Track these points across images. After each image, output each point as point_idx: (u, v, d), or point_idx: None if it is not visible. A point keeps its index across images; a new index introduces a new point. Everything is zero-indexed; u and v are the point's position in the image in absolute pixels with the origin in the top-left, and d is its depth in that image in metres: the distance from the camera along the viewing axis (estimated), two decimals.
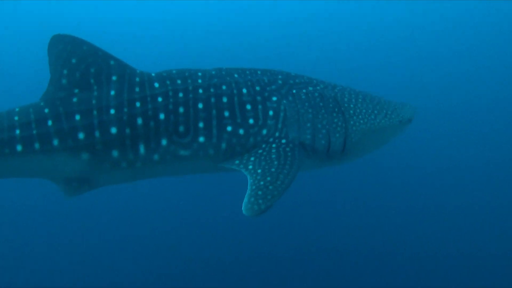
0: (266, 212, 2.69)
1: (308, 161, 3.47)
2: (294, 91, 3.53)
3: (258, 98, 3.38)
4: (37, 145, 3.06)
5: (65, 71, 3.20)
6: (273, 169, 3.01)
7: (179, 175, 3.51)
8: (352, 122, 3.52)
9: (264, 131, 3.31)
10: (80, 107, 3.12)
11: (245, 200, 2.75)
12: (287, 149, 3.23)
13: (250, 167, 3.08)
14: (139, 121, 3.13)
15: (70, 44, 3.20)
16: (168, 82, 3.29)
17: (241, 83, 3.41)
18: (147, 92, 3.21)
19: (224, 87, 3.34)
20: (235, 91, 3.34)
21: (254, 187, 2.85)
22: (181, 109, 3.20)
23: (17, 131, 3.06)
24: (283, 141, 3.30)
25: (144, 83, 3.26)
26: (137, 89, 3.22)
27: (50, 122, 3.07)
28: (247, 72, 3.55)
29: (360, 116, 3.58)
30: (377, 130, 3.63)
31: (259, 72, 3.59)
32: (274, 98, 3.42)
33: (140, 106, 3.15)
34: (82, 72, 3.21)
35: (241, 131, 3.27)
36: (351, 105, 3.62)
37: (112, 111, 3.11)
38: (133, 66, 3.38)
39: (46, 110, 3.11)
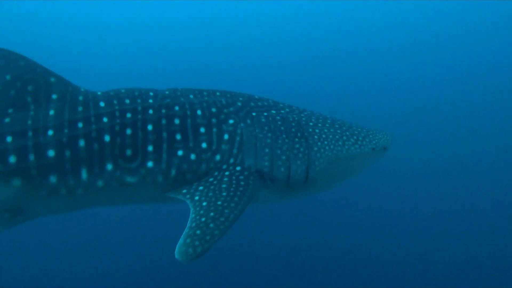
0: (203, 255, 2.39)
1: (266, 192, 3.19)
2: (253, 113, 3.28)
3: (213, 120, 3.13)
4: None
5: None
6: (219, 202, 2.73)
7: (125, 204, 3.22)
8: (316, 149, 3.22)
9: (218, 157, 3.05)
10: (13, 128, 2.81)
11: (180, 241, 2.44)
12: (241, 177, 2.96)
13: (196, 198, 2.81)
14: (81, 143, 2.85)
15: (4, 59, 2.92)
16: (115, 102, 3.03)
17: (196, 104, 3.16)
18: (91, 112, 2.94)
19: (176, 108, 3.09)
20: (188, 113, 3.09)
21: (193, 224, 2.56)
22: (128, 131, 2.94)
23: None
24: (238, 168, 3.03)
25: (88, 102, 2.99)
26: (79, 109, 2.95)
27: None
28: (205, 93, 3.31)
29: (325, 142, 3.29)
30: (345, 157, 3.33)
31: (218, 94, 3.35)
32: (231, 121, 3.17)
33: (82, 127, 2.88)
34: (18, 90, 2.92)
35: (192, 156, 3.00)
36: (316, 130, 3.35)
37: (50, 132, 2.83)
38: (75, 83, 3.11)
39: None
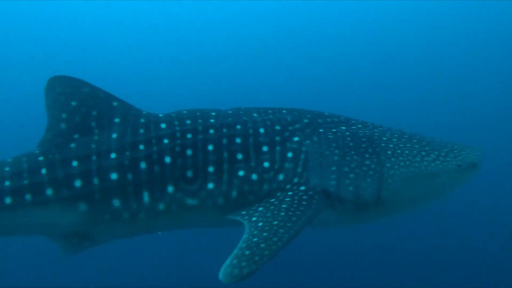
0: (248, 278, 2.18)
1: (333, 214, 2.95)
2: (321, 130, 3.08)
3: (277, 138, 2.98)
4: (28, 197, 2.78)
5: (63, 115, 2.98)
6: (275, 222, 2.54)
7: (186, 228, 3.16)
8: (389, 165, 2.92)
9: (281, 177, 2.88)
10: (78, 153, 2.86)
11: (227, 262, 2.25)
12: (304, 197, 2.76)
13: (254, 219, 2.64)
14: (143, 165, 2.82)
15: (70, 87, 3.00)
16: (176, 123, 2.99)
17: (259, 122, 3.04)
18: (152, 134, 2.92)
19: (238, 127, 2.99)
20: (250, 131, 2.97)
21: (244, 245, 2.37)
22: (189, 152, 2.87)
23: (7, 183, 2.80)
24: (302, 188, 2.84)
25: (150, 124, 2.98)
26: (141, 131, 2.94)
27: (43, 171, 2.81)
28: (270, 111, 3.18)
29: (400, 158, 2.97)
30: (424, 175, 2.97)
31: (284, 111, 3.20)
32: (296, 139, 3.00)
33: (144, 149, 2.86)
34: (83, 115, 2.98)
35: (254, 177, 2.86)
36: (390, 145, 3.04)
37: (113, 155, 2.84)
38: (137, 106, 3.13)
39: (41, 158, 2.87)
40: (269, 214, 2.63)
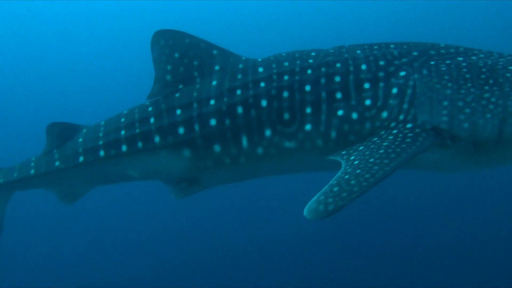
0: (334, 214, 2.05)
1: (445, 154, 2.63)
2: (432, 62, 2.75)
3: (380, 74, 2.74)
4: (139, 144, 3.04)
5: (169, 67, 3.14)
6: (371, 159, 2.34)
7: (286, 172, 3.12)
8: None
9: (384, 114, 2.66)
10: (181, 101, 3.01)
11: (313, 198, 2.13)
12: (409, 134, 2.50)
13: (352, 157, 2.47)
14: (239, 110, 2.85)
15: (172, 39, 3.14)
16: (274, 66, 2.94)
17: (362, 58, 2.82)
18: (249, 78, 2.92)
19: (338, 65, 2.81)
20: (351, 69, 2.78)
21: (334, 182, 2.23)
22: (285, 94, 2.81)
23: (122, 132, 3.09)
24: (409, 125, 2.57)
25: (248, 69, 2.98)
26: (239, 76, 2.96)
27: (152, 120, 3.03)
28: (375, 47, 2.94)
29: None
30: None
31: (392, 46, 2.93)
32: (402, 73, 2.72)
33: (240, 94, 2.88)
34: (186, 66, 3.12)
35: (354, 116, 2.69)
36: None
37: (212, 102, 2.92)
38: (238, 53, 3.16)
39: (150, 109, 3.09)
40: (367, 152, 2.45)
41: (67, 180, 3.37)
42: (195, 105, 2.96)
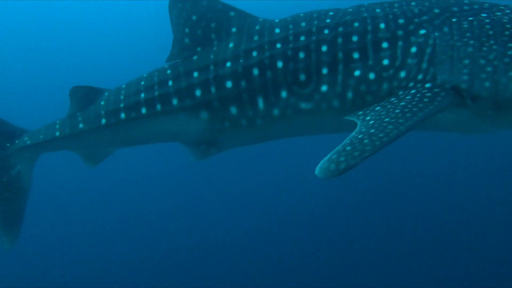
0: (345, 173, 2.02)
1: (467, 115, 2.58)
2: (454, 19, 2.65)
3: (399, 33, 2.66)
4: (158, 107, 3.09)
5: (186, 30, 3.14)
6: (386, 119, 2.30)
7: (302, 134, 3.12)
8: None
9: (402, 74, 2.60)
10: (199, 64, 3.03)
11: (326, 157, 2.11)
12: (427, 94, 2.44)
13: (368, 118, 2.43)
14: (255, 72, 2.85)
15: (190, 1, 3.12)
16: (290, 26, 2.90)
17: (381, 17, 2.75)
18: (266, 40, 2.90)
19: (356, 24, 2.75)
20: (369, 28, 2.72)
21: (348, 141, 2.20)
22: (301, 55, 2.78)
23: (142, 95, 3.14)
24: (427, 85, 2.50)
25: (264, 31, 2.96)
26: (255, 38, 2.95)
27: (170, 83, 3.06)
28: (396, 5, 2.85)
29: None
30: None
31: (413, 3, 2.83)
32: (422, 31, 2.64)
33: (256, 55, 2.87)
34: (203, 28, 3.11)
35: (371, 76, 2.64)
36: None
37: (228, 64, 2.92)
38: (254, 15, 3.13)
39: (168, 71, 3.12)
40: (383, 112, 2.42)
41: (90, 142, 3.46)
42: (211, 67, 2.97)
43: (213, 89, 2.95)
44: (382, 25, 2.71)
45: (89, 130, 3.34)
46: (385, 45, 2.67)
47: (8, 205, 3.61)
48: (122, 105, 3.21)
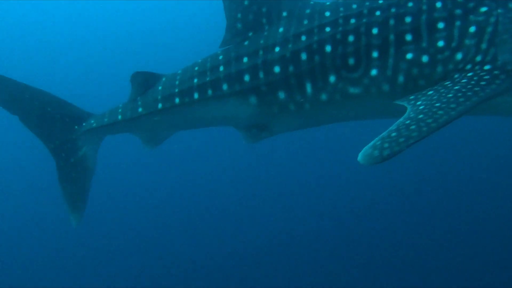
0: (388, 159, 1.94)
1: None
2: None
3: (457, 11, 2.49)
4: (210, 92, 3.16)
5: (239, 15, 3.17)
6: (437, 104, 2.17)
7: (352, 119, 3.06)
8: None
9: (459, 56, 2.44)
10: (249, 49, 3.05)
11: (370, 143, 2.03)
12: (486, 77, 2.26)
13: (419, 102, 2.30)
14: (303, 56, 2.82)
15: None
16: (341, 9, 2.82)
17: None
18: (315, 24, 2.85)
19: (410, 4, 2.61)
20: (424, 7, 2.56)
21: (394, 127, 2.10)
22: (350, 38, 2.70)
23: (195, 80, 3.23)
24: (487, 67, 2.32)
25: (314, 14, 2.90)
26: (305, 22, 2.91)
27: (221, 68, 3.12)
28: None
29: None
30: None
31: None
32: (483, 9, 2.44)
33: (305, 40, 2.84)
34: (255, 13, 3.12)
35: (424, 59, 2.51)
36: None
37: (277, 49, 2.92)
38: None
39: (220, 57, 3.18)
40: (435, 97, 2.28)
41: (148, 126, 3.62)
42: (260, 52, 2.99)
43: (261, 74, 2.96)
44: (438, 4, 2.54)
45: (147, 114, 3.48)
46: (440, 25, 2.51)
47: (75, 184, 3.82)
48: (176, 90, 3.32)
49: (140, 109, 3.54)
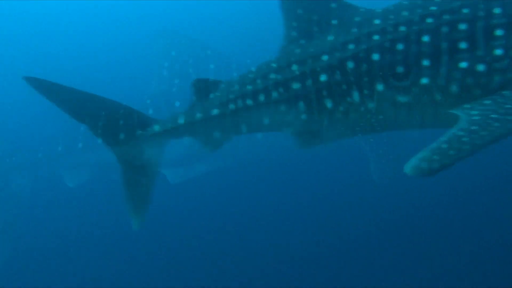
0: (437, 173, 1.88)
1: None
2: None
3: None
4: (262, 98, 3.26)
5: (294, 23, 3.25)
6: (494, 115, 2.09)
7: (401, 128, 3.01)
8: None
9: None
10: (298, 57, 3.12)
11: (418, 154, 1.99)
12: None
13: (474, 112, 2.23)
14: (350, 65, 2.84)
15: None
16: (391, 17, 2.80)
17: (496, 0, 2.48)
18: (364, 32, 2.85)
19: (465, 11, 2.53)
20: (481, 14, 2.47)
21: (445, 138, 2.05)
22: (399, 46, 2.68)
23: (249, 87, 3.36)
24: None
25: (364, 22, 2.91)
26: (354, 30, 2.92)
27: (272, 75, 3.21)
28: None
29: None
30: None
31: None
32: None
33: (354, 48, 2.85)
34: (307, 21, 3.19)
35: (480, 68, 2.42)
36: None
37: (325, 57, 2.96)
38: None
39: (273, 65, 3.27)
40: (492, 107, 2.20)
41: (207, 130, 3.74)
42: (309, 60, 3.05)
43: (309, 82, 3.02)
44: (497, 10, 2.44)
45: (205, 119, 3.63)
46: (499, 32, 2.41)
47: (139, 187, 3.95)
48: (232, 96, 3.46)
49: (198, 114, 3.69)
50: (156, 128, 3.94)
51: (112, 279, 6.32)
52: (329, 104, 2.99)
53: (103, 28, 17.19)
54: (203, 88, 3.74)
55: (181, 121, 3.81)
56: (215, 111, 3.59)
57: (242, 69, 3.26)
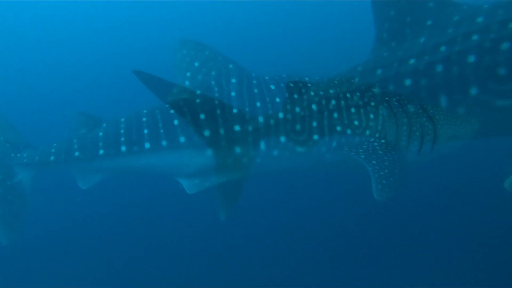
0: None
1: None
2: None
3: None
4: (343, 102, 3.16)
5: (386, 25, 3.14)
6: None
7: (497, 134, 2.93)
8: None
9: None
10: (385, 61, 3.10)
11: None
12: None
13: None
14: (439, 68, 2.67)
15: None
16: (500, 12, 2.56)
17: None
18: (460, 31, 2.67)
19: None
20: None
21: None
22: (505, 45, 2.43)
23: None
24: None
25: (463, 21, 2.70)
26: (449, 30, 2.74)
27: (356, 79, 3.21)
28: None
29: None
30: None
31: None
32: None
33: (444, 50, 2.68)
34: (400, 23, 3.07)
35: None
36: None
37: (411, 61, 2.85)
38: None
39: (359, 68, 3.32)
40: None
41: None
42: (395, 64, 2.89)
43: (391, 87, 2.92)
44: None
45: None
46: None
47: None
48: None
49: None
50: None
51: (112, 279, 6.37)
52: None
53: (126, 35, 17.96)
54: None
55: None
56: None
57: (261, 85, 3.21)
